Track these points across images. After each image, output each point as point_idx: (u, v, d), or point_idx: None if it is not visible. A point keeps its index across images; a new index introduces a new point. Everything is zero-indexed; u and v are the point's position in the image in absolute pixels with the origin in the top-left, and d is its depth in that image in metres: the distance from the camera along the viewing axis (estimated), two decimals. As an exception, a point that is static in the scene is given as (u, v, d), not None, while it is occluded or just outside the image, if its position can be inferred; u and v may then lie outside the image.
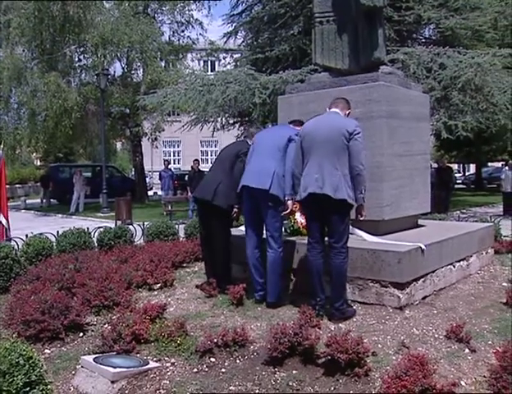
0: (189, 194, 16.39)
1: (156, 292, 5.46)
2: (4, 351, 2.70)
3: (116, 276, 5.40)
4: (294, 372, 3.41)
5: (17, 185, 33.67)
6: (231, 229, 5.41)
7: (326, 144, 4.26)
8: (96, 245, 7.64)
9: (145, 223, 8.69)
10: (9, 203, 9.56)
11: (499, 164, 35.38)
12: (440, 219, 7.86)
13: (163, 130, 25.09)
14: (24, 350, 2.76)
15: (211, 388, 3.28)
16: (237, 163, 5.13)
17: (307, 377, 3.34)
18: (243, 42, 16.75)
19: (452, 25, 12.94)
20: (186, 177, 19.13)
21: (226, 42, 17.21)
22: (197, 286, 5.42)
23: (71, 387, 3.49)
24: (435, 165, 16.83)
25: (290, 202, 4.66)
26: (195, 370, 3.57)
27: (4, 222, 8.45)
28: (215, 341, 3.75)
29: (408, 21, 13.35)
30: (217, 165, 5.38)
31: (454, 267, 5.40)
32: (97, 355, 3.77)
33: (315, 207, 4.33)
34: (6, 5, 20.20)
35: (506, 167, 17.37)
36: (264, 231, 4.86)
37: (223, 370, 3.53)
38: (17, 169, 35.40)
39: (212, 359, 3.67)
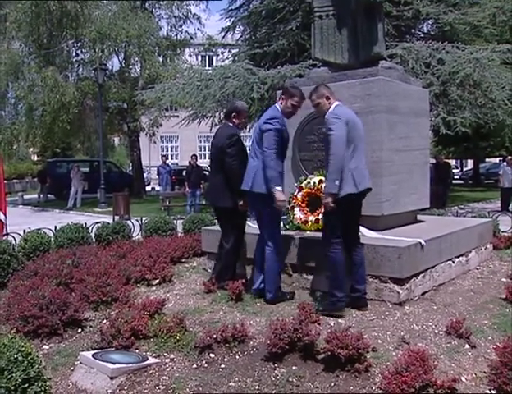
0: (187, 189, 16.39)
1: (154, 288, 5.45)
2: (2, 347, 2.69)
3: (115, 271, 5.38)
4: (293, 368, 3.40)
5: (14, 181, 33.70)
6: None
7: (363, 139, 4.43)
8: (94, 240, 7.64)
9: (143, 218, 8.67)
10: (7, 199, 9.54)
11: (496, 160, 35.39)
12: (438, 215, 7.86)
13: (161, 126, 25.06)
14: (22, 346, 2.75)
15: (210, 384, 3.26)
16: (226, 161, 4.95)
17: (307, 373, 3.33)
18: (241, 37, 16.68)
19: (451, 20, 12.94)
20: (184, 172, 19.13)
21: (224, 37, 17.15)
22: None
23: (70, 383, 3.47)
24: (433, 160, 16.80)
25: (278, 192, 4.45)
26: (194, 366, 3.55)
27: (3, 218, 8.43)
28: (214, 336, 3.73)
29: (406, 16, 13.33)
30: (213, 164, 5.30)
31: (453, 262, 5.39)
32: (96, 351, 3.75)
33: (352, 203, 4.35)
34: (3, -1, 20.15)
35: (504, 163, 17.35)
36: None
37: (223, 366, 3.52)
38: (15, 164, 35.39)
39: (212, 355, 3.65)
